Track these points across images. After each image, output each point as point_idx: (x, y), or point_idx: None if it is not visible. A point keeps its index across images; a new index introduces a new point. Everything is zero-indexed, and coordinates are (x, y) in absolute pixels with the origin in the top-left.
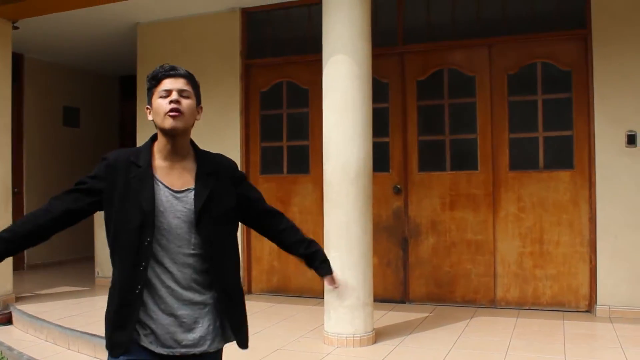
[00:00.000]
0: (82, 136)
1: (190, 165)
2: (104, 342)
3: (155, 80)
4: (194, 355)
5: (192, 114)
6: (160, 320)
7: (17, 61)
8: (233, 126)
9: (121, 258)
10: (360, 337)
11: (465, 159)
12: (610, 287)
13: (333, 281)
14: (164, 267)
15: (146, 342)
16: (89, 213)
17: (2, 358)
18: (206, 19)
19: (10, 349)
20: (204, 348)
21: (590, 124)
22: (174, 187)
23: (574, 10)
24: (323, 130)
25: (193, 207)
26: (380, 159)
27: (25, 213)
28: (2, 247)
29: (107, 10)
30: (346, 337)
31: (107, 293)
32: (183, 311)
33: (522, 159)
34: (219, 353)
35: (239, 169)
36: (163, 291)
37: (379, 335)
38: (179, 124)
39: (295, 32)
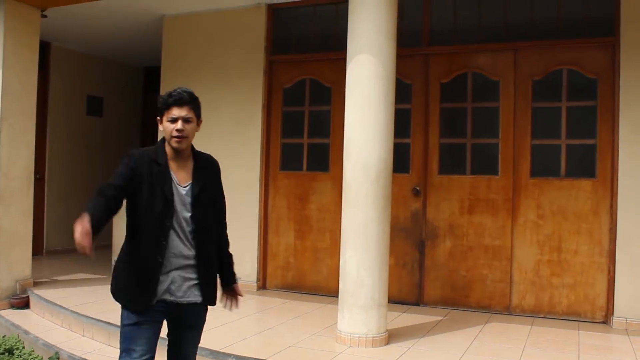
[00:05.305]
0: (105, 125)
1: (190, 164)
2: (118, 330)
3: (165, 104)
4: (189, 303)
5: (193, 133)
6: (169, 278)
7: (44, 49)
8: (254, 121)
9: (147, 235)
10: (373, 337)
11: (486, 164)
12: (628, 299)
13: (234, 291)
14: (176, 242)
15: (161, 293)
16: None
17: (18, 341)
18: (232, 14)
19: (26, 332)
20: (191, 299)
21: (614, 132)
22: (180, 181)
23: (602, 17)
24: (344, 129)
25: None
26: (400, 160)
27: (45, 199)
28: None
29: (134, 1)
30: (359, 337)
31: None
32: (182, 272)
33: (544, 166)
34: (203, 306)
35: (258, 164)
36: (172, 257)
37: (392, 336)
38: (182, 145)
39: (320, 30)
